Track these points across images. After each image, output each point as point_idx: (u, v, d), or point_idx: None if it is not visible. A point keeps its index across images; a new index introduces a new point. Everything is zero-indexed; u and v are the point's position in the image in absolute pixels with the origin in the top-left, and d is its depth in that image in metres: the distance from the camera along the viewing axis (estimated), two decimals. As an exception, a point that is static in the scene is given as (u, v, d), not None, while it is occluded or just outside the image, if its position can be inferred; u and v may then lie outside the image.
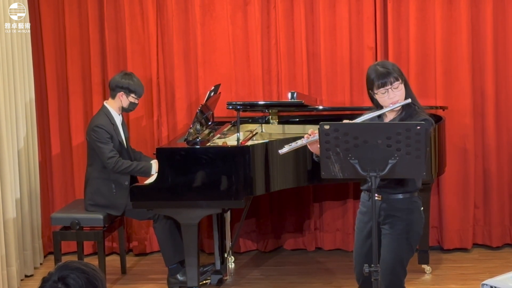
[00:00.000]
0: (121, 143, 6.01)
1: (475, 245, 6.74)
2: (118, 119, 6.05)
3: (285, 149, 4.42)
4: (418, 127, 3.98)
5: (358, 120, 4.33)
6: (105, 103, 6.05)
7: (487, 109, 6.58)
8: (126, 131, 6.17)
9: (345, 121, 4.31)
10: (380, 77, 4.26)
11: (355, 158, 4.06)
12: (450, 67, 6.55)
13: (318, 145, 4.22)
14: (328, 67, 6.63)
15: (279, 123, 6.42)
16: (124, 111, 6.11)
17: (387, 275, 4.35)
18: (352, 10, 6.59)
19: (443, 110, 6.40)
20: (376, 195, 4.23)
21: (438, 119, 6.10)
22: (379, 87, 4.27)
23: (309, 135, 4.30)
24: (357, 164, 4.06)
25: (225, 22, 6.66)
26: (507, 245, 6.72)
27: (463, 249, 6.68)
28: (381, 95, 4.28)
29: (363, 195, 4.46)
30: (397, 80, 4.27)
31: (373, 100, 4.38)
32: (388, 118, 4.39)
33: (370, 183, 4.15)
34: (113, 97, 6.02)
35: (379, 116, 4.38)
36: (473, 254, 6.63)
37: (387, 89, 4.26)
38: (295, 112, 6.47)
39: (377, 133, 4.03)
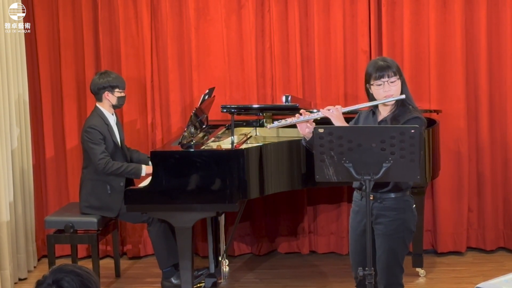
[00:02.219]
0: (115, 143, 6.01)
1: (469, 248, 6.74)
2: (112, 119, 6.05)
3: (274, 125, 4.50)
4: (412, 131, 3.99)
5: (354, 107, 4.47)
6: (97, 104, 6.05)
7: (481, 112, 6.59)
8: (121, 131, 6.16)
9: (328, 107, 4.39)
10: (378, 69, 4.33)
11: (350, 162, 4.08)
12: (444, 70, 6.56)
13: (308, 126, 4.34)
14: (322, 70, 6.64)
15: (273, 126, 6.42)
16: (116, 107, 6.10)
17: (384, 274, 4.38)
18: (346, 14, 6.60)
19: (437, 113, 6.41)
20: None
21: (432, 122, 6.11)
22: (376, 79, 4.33)
23: (300, 115, 4.35)
24: (352, 167, 4.08)
25: (219, 25, 6.66)
26: (501, 249, 6.73)
27: (457, 253, 6.69)
28: (377, 87, 4.34)
29: (355, 194, 4.50)
30: (395, 75, 4.34)
31: (369, 95, 4.44)
32: (382, 115, 4.44)
33: (361, 183, 4.21)
34: (100, 99, 6.02)
35: (374, 113, 4.44)
36: (467, 258, 6.63)
37: (384, 82, 4.32)
38: (290, 116, 6.46)
39: (371, 137, 4.04)
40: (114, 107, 6.06)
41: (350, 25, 6.61)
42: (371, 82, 4.36)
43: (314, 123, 4.38)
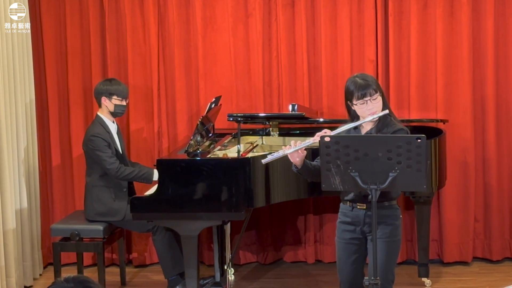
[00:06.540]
0: (117, 151, 6.01)
1: (475, 258, 6.73)
2: (112, 127, 6.06)
3: (268, 159, 4.47)
4: (419, 140, 4.00)
5: (341, 129, 4.38)
6: (98, 113, 6.06)
7: (487, 122, 6.59)
8: (121, 140, 6.16)
9: (318, 133, 4.31)
10: (360, 88, 4.36)
11: (356, 171, 4.08)
12: (451, 80, 6.55)
13: (298, 155, 4.33)
14: (329, 79, 6.64)
15: (279, 135, 6.43)
16: (114, 115, 6.09)
17: (384, 279, 4.37)
18: (353, 23, 6.60)
19: (444, 123, 6.41)
20: (359, 204, 4.39)
21: (438, 132, 6.11)
22: (358, 98, 4.36)
23: (290, 146, 4.34)
24: (358, 176, 4.08)
25: (226, 34, 6.67)
26: (507, 259, 6.71)
27: (463, 263, 6.67)
28: (360, 106, 4.37)
29: (344, 206, 4.50)
30: (376, 92, 4.37)
31: (349, 111, 4.47)
32: (365, 129, 4.47)
33: (354, 195, 4.30)
34: (100, 105, 6.04)
35: (356, 128, 4.46)
36: (473, 268, 6.62)
37: (366, 100, 4.35)
38: (296, 124, 6.48)
39: (378, 146, 4.05)
40: (112, 114, 6.06)
41: (357, 35, 6.61)
42: (354, 102, 4.37)
43: (305, 151, 4.38)
